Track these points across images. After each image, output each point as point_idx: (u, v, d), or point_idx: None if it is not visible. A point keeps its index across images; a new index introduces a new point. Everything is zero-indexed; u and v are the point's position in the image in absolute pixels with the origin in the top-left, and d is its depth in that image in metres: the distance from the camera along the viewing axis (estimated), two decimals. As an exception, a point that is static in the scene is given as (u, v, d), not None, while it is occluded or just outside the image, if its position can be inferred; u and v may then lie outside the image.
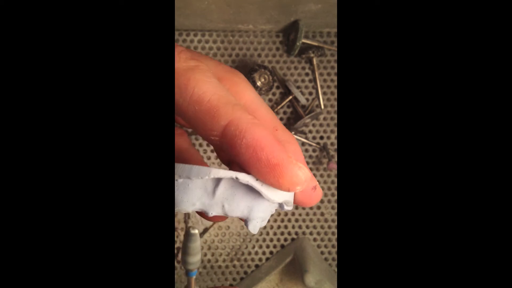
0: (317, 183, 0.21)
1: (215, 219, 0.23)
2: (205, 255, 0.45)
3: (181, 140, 0.27)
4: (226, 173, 0.19)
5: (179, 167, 0.19)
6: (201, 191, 0.20)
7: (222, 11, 0.39)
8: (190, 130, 0.44)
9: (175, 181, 0.19)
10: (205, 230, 0.45)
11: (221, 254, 0.45)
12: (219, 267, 0.45)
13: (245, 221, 0.20)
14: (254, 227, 0.20)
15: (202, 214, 0.20)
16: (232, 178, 0.19)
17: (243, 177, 0.19)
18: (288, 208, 0.21)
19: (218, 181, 0.19)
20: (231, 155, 0.19)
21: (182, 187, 0.19)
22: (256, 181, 0.19)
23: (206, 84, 0.19)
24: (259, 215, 0.20)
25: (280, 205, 0.20)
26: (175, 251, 0.45)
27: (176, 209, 0.20)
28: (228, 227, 0.46)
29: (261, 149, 0.18)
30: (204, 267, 0.45)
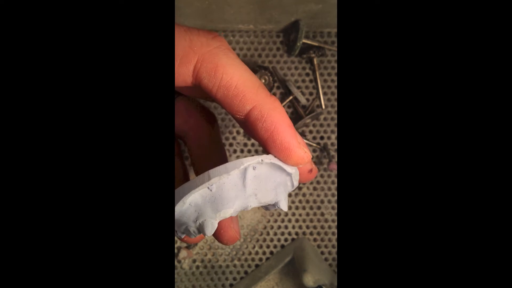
0: (314, 165, 0.25)
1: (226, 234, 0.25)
2: (206, 255, 0.46)
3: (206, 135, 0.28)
4: (253, 158, 0.21)
5: (214, 171, 0.21)
6: (235, 189, 0.21)
7: (222, 11, 0.39)
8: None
9: (209, 190, 0.21)
10: (205, 230, 0.45)
11: (221, 254, 0.46)
12: (220, 266, 0.45)
13: (274, 204, 0.23)
14: (284, 205, 0.23)
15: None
16: (259, 162, 0.22)
17: (267, 158, 0.22)
18: (295, 182, 0.24)
19: (244, 174, 0.21)
20: (251, 132, 0.23)
21: (218, 193, 0.21)
22: (275, 158, 0.22)
23: (232, 68, 0.22)
24: (284, 195, 0.23)
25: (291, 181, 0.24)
26: (175, 251, 0.45)
27: (220, 216, 0.21)
28: (228, 227, 0.46)
29: (277, 133, 0.22)
30: (205, 267, 0.45)
